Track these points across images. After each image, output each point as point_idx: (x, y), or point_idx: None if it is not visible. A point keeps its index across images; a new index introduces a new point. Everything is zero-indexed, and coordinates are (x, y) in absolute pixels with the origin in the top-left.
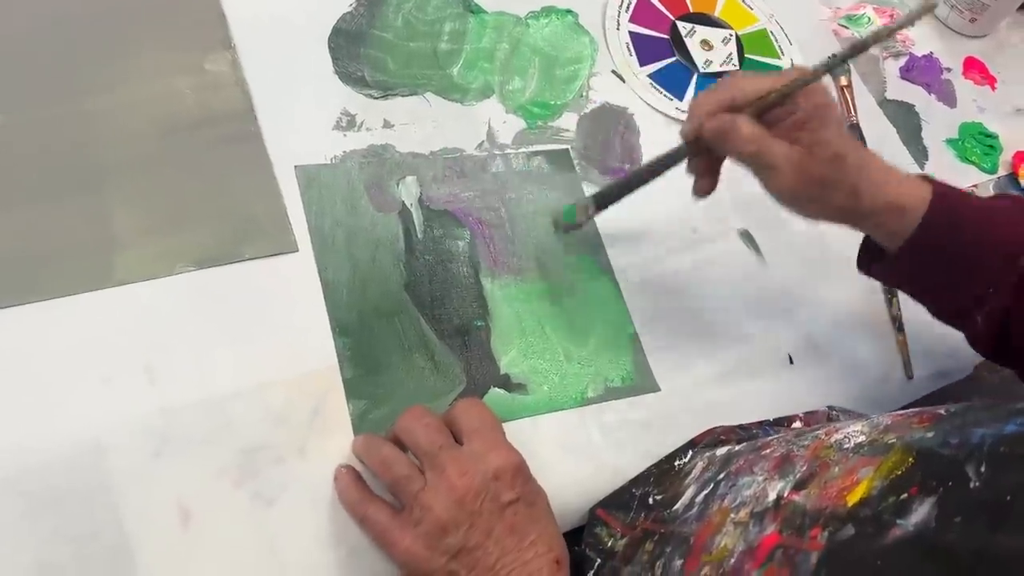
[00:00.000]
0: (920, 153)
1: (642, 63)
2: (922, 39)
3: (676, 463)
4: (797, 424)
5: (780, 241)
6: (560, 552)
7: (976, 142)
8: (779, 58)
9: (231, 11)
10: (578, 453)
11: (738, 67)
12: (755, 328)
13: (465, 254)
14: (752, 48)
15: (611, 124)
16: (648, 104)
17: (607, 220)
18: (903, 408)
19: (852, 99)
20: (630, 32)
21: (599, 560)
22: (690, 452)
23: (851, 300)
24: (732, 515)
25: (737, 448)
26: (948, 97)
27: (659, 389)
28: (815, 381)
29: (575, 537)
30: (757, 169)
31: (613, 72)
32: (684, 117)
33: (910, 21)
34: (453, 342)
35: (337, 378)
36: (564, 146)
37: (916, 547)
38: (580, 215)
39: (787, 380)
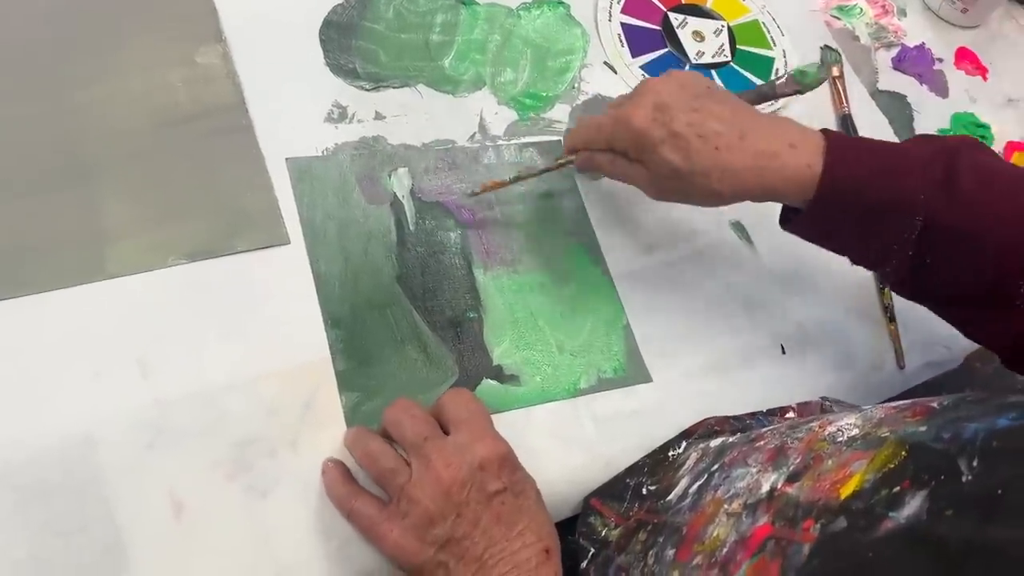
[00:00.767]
0: None
1: (634, 54)
2: (914, 29)
3: (670, 453)
4: (790, 415)
5: (772, 232)
6: (550, 541)
7: (968, 132)
8: (771, 49)
9: (222, 4)
10: (571, 444)
11: (730, 58)
12: (747, 319)
13: (457, 246)
14: (744, 39)
15: None
16: None
17: (599, 211)
18: (895, 398)
19: (844, 89)
20: (622, 23)
21: (593, 549)
22: (684, 443)
23: (843, 290)
24: (725, 506)
25: (731, 439)
26: (940, 87)
27: (652, 380)
28: (807, 371)
29: (568, 527)
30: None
31: (605, 63)
32: None
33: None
34: (445, 334)
35: (329, 370)
36: (556, 138)
37: (907, 539)
38: (823, 73)
39: (779, 370)
